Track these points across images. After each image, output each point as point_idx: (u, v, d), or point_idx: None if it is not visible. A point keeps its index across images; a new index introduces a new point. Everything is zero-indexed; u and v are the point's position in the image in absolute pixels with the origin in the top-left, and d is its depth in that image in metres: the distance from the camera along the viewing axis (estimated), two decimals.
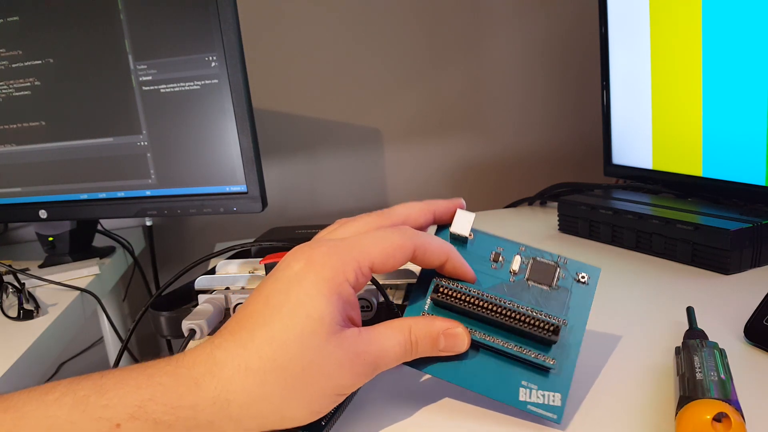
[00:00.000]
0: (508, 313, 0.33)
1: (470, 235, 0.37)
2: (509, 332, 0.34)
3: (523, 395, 0.33)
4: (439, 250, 0.34)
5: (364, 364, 0.30)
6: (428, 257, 0.34)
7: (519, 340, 0.34)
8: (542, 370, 0.33)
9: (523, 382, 0.33)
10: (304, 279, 0.30)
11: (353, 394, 0.36)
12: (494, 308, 0.34)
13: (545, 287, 0.35)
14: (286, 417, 0.29)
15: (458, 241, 0.38)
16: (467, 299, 0.34)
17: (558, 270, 0.36)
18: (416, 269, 0.42)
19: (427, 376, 0.39)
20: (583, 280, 0.36)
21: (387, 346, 0.32)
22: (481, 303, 0.34)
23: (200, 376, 0.28)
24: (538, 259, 0.36)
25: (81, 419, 0.26)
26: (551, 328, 0.32)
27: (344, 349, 0.30)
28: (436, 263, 0.34)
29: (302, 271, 0.30)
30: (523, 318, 0.33)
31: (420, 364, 0.35)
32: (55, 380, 0.29)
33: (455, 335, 0.33)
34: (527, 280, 0.36)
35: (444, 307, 0.35)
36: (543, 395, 0.33)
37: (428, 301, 0.36)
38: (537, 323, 0.33)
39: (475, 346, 0.34)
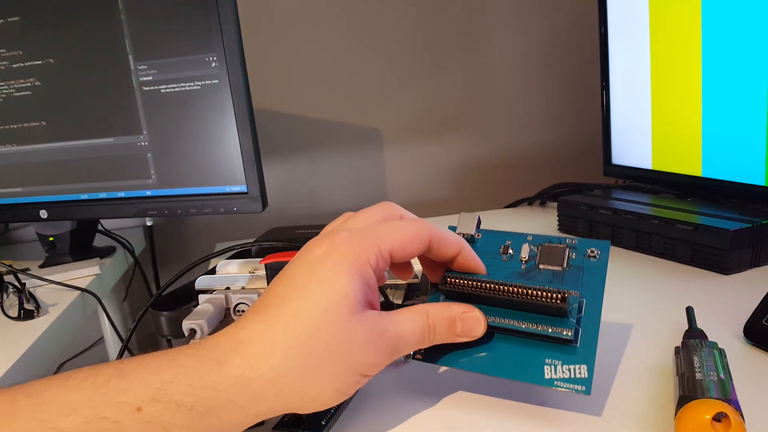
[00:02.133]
0: (519, 290, 0.33)
1: (477, 234, 0.38)
2: (522, 311, 0.34)
3: (548, 373, 0.32)
4: (454, 241, 0.35)
5: (386, 344, 0.31)
6: (443, 248, 0.34)
7: (534, 318, 0.34)
8: (564, 343, 0.33)
9: (547, 360, 0.33)
10: (327, 259, 0.31)
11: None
12: (505, 288, 0.34)
13: (557, 268, 0.35)
14: (309, 394, 0.29)
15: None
16: (479, 284, 0.35)
17: (567, 251, 0.36)
18: (417, 269, 0.42)
19: (428, 375, 0.39)
20: (593, 255, 0.35)
21: (407, 328, 0.32)
22: (492, 286, 0.34)
23: (223, 355, 0.28)
24: (546, 244, 0.36)
25: (101, 403, 0.26)
26: (559, 296, 0.32)
27: (367, 327, 0.30)
28: (450, 254, 0.35)
29: (325, 253, 0.31)
30: (531, 292, 0.33)
31: (438, 356, 0.35)
32: None
33: (472, 318, 0.34)
34: (538, 264, 0.36)
35: (457, 297, 0.36)
36: (569, 369, 0.32)
37: (441, 297, 0.37)
38: (545, 295, 0.33)
39: (491, 333, 0.35)
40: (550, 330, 0.33)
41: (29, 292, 0.61)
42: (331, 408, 0.34)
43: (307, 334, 0.29)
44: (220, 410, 0.27)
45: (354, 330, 0.29)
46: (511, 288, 0.34)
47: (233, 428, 0.29)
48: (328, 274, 0.30)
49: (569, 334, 0.32)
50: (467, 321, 0.34)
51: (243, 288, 0.48)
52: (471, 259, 0.36)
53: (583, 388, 0.31)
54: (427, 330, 0.33)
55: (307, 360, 0.28)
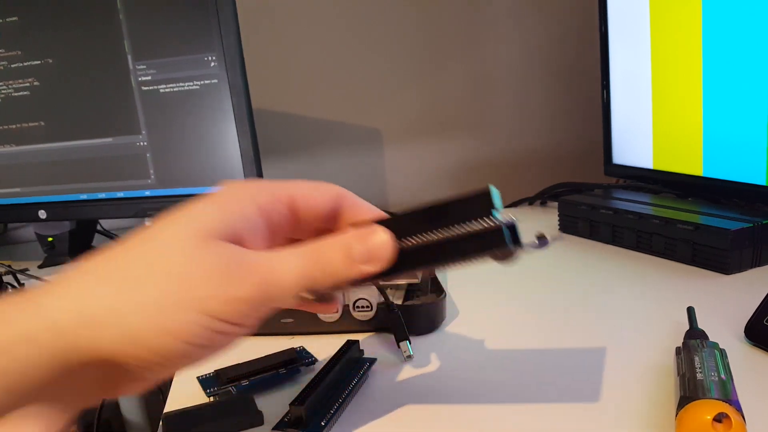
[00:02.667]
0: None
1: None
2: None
3: None
4: (369, 207, 0.31)
5: (243, 281, 0.24)
6: (356, 210, 0.30)
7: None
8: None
9: None
10: (199, 199, 0.26)
11: (351, 390, 0.36)
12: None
13: None
14: (127, 331, 0.23)
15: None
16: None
17: None
18: None
19: (428, 375, 0.39)
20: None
21: (283, 259, 0.26)
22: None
23: (33, 293, 0.23)
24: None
25: None
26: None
27: (218, 255, 0.24)
28: (365, 213, 0.30)
29: (204, 195, 0.26)
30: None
31: None
32: None
33: (371, 234, 0.27)
34: None
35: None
36: None
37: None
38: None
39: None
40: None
41: None
42: (331, 408, 0.34)
43: (132, 259, 0.24)
44: (12, 347, 0.22)
45: (203, 259, 0.24)
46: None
47: (29, 372, 0.22)
48: (194, 204, 0.25)
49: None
50: (367, 238, 0.27)
51: None
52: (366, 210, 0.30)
53: None
54: (312, 265, 0.26)
55: (122, 287, 0.23)
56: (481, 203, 0.26)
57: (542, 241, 0.27)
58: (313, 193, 0.28)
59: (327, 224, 0.29)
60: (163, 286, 0.23)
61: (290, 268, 0.25)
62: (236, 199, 0.26)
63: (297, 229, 0.29)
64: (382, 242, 0.27)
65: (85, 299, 0.23)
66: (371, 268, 0.26)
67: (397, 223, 0.28)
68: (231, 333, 0.24)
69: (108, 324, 0.23)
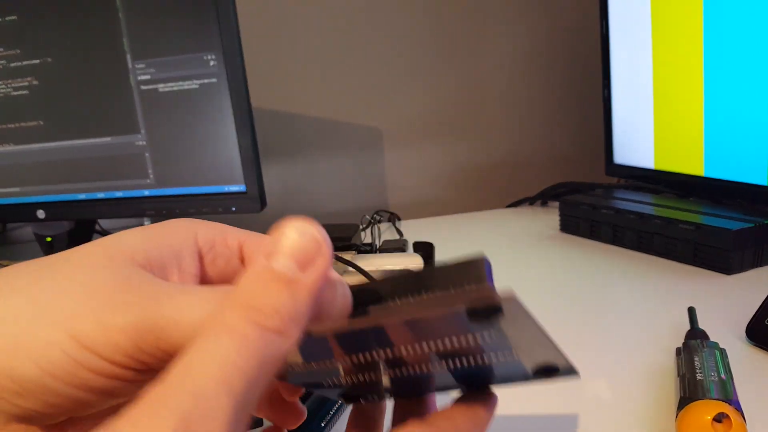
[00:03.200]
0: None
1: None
2: None
3: None
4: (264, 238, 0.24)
5: (129, 305, 0.18)
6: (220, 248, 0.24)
7: None
8: None
9: None
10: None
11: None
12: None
13: None
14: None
15: None
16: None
17: None
18: (415, 265, 0.42)
19: None
20: None
21: (185, 296, 0.19)
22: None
23: None
24: None
25: None
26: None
27: (117, 275, 0.19)
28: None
29: None
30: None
31: None
32: None
33: (282, 231, 0.19)
34: None
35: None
36: None
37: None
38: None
39: None
40: None
41: None
42: (331, 409, 0.34)
43: (34, 271, 0.20)
44: None
45: (95, 274, 0.19)
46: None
47: None
48: (120, 233, 0.22)
49: None
50: (279, 241, 0.18)
51: None
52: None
53: None
54: (231, 294, 0.17)
55: (9, 295, 0.19)
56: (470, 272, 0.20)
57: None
58: (224, 232, 0.23)
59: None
60: (43, 298, 0.18)
61: (196, 302, 0.19)
62: (170, 230, 0.22)
63: None
64: (300, 236, 0.19)
65: None
66: (312, 274, 0.18)
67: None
68: (102, 373, 0.18)
69: None
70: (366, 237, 0.82)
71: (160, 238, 0.21)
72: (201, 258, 0.22)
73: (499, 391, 0.36)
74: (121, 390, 0.19)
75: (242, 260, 0.23)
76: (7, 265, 0.60)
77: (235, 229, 0.24)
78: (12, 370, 0.18)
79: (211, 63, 0.66)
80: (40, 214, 0.75)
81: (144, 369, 0.19)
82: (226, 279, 0.23)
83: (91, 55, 0.69)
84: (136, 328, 0.18)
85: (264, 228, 0.21)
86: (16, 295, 0.19)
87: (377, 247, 0.69)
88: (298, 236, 0.19)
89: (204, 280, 0.23)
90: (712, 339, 0.37)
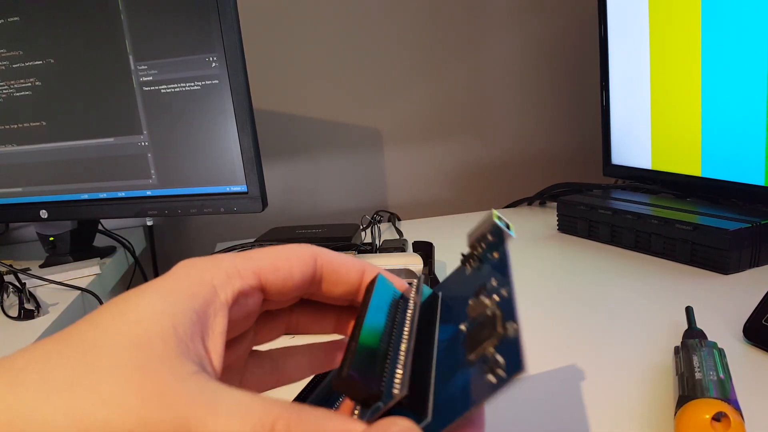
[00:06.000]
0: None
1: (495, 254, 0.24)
2: None
3: None
4: (353, 263, 0.26)
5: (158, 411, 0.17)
6: (337, 269, 0.25)
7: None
8: None
9: None
10: (155, 283, 0.21)
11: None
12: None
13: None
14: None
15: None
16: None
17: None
18: (417, 269, 0.42)
19: None
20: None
21: (224, 417, 0.18)
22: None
23: None
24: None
25: None
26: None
27: (152, 373, 0.18)
28: (352, 277, 0.26)
29: (161, 278, 0.22)
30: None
31: None
32: None
33: (390, 426, 0.18)
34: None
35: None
36: None
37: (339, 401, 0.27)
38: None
39: None
40: None
41: (29, 292, 0.61)
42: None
43: (62, 364, 0.18)
44: None
45: (129, 379, 0.18)
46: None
47: None
48: (135, 303, 0.20)
49: None
50: None
51: None
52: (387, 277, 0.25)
53: None
54: None
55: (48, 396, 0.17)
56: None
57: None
58: (284, 264, 0.24)
59: (304, 293, 0.26)
60: (81, 382, 0.18)
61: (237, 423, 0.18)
62: (189, 291, 0.21)
63: (268, 302, 0.25)
64: None
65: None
66: None
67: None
68: None
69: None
70: (366, 237, 0.82)
71: (185, 302, 0.21)
72: (226, 306, 0.22)
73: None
74: None
75: (260, 287, 0.24)
76: (9, 265, 0.60)
77: (245, 257, 0.24)
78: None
79: (213, 64, 0.66)
80: (43, 213, 0.75)
81: None
82: (247, 313, 0.24)
83: (94, 57, 0.69)
84: None
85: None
86: (54, 397, 0.17)
87: (377, 246, 0.70)
88: None
89: (230, 323, 0.22)
90: (709, 338, 0.38)
